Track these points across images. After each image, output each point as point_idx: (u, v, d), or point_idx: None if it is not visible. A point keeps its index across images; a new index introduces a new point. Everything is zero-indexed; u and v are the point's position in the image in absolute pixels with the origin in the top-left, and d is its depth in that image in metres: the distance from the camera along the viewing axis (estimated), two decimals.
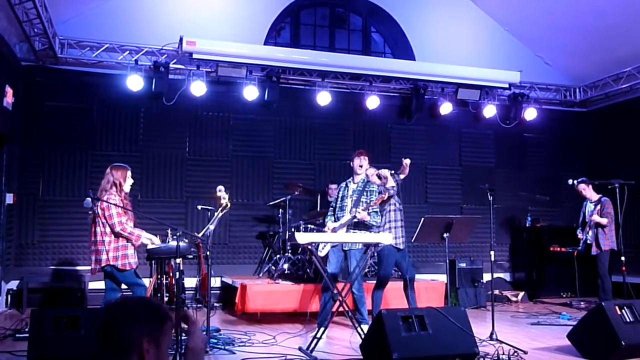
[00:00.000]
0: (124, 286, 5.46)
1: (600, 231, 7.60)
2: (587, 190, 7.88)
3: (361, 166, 6.26)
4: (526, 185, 10.35)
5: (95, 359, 1.88)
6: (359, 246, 6.03)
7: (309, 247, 5.42)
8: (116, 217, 5.21)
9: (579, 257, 8.12)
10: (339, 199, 6.33)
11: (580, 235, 7.95)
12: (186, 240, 6.05)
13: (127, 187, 5.47)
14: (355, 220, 6.02)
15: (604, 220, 7.55)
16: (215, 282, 8.54)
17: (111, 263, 5.20)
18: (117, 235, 5.24)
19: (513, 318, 7.55)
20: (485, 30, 10.32)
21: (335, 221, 6.28)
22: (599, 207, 7.63)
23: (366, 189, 6.19)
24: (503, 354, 4.82)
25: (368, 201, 6.04)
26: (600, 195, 7.80)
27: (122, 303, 1.89)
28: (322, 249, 6.39)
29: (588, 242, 7.74)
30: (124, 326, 1.81)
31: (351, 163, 6.37)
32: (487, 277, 8.35)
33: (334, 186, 8.90)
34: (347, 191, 6.30)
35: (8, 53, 7.49)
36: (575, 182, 7.79)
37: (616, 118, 10.27)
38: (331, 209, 6.44)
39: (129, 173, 5.51)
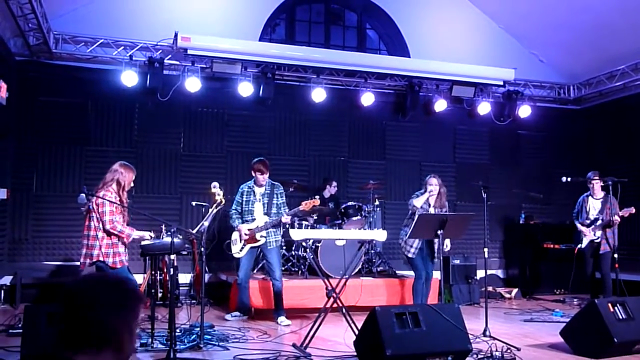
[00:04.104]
0: None
1: (609, 230, 7.56)
2: (597, 186, 7.81)
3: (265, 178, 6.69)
4: (520, 182, 10.37)
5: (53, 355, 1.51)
6: (274, 245, 6.62)
7: (304, 243, 5.44)
8: (108, 215, 5.20)
9: (579, 255, 7.96)
10: (244, 203, 6.71)
11: (586, 232, 7.73)
12: (180, 237, 6.04)
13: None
14: (280, 222, 6.60)
15: (617, 220, 7.49)
16: (210, 278, 8.55)
17: (102, 259, 5.19)
18: (108, 232, 5.22)
19: (506, 315, 7.57)
20: (480, 27, 10.33)
21: (243, 222, 6.68)
22: (616, 206, 7.46)
23: (275, 192, 6.72)
24: (496, 350, 4.84)
25: (279, 203, 6.66)
26: (604, 192, 7.71)
27: (93, 281, 1.53)
28: (240, 250, 6.71)
29: (597, 240, 7.65)
30: (100, 310, 1.47)
31: (259, 173, 6.63)
32: (480, 273, 8.38)
33: (334, 183, 8.88)
34: (253, 195, 6.69)
35: (2, 48, 7.45)
36: (567, 179, 7.72)
37: (610, 116, 10.31)
38: (235, 211, 6.78)
39: (133, 177, 5.53)
